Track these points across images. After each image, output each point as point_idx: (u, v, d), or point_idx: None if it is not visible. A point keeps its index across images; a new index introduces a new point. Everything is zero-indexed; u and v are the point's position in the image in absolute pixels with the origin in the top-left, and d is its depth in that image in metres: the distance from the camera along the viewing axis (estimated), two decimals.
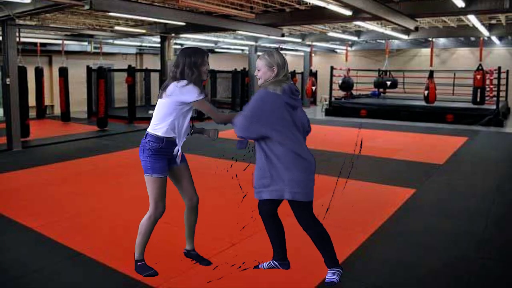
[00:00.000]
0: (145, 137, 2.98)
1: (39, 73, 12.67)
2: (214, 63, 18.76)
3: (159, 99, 2.98)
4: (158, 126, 2.94)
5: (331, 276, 2.91)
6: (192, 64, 2.91)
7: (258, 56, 2.87)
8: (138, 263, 3.08)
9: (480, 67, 12.36)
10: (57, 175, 6.23)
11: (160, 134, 2.92)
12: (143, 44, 15.68)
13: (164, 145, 2.94)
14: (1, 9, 7.44)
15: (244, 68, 16.31)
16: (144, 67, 17.44)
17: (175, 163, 3.05)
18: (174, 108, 2.91)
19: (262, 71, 2.82)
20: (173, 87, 2.89)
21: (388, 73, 15.26)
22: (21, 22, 9.06)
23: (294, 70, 18.04)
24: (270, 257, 3.15)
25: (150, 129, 2.97)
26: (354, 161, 6.78)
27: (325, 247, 2.89)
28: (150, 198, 2.99)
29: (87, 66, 13.85)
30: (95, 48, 14.73)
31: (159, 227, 3.14)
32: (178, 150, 3.00)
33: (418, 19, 9.15)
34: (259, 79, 2.85)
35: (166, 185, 3.01)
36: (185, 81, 2.89)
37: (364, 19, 8.46)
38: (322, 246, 2.89)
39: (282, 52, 3.03)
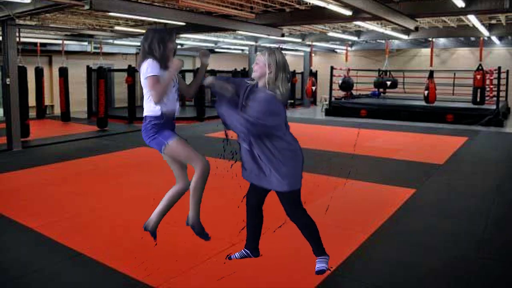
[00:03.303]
0: (145, 121, 3.07)
1: (39, 73, 12.68)
2: (214, 63, 18.76)
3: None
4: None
5: (320, 264, 3.01)
6: (160, 40, 3.00)
7: (261, 51, 2.97)
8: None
9: (480, 67, 12.36)
10: (57, 175, 6.23)
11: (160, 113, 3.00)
12: None
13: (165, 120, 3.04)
14: (1, 9, 7.44)
15: (244, 68, 16.31)
16: None
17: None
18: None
19: (259, 65, 2.89)
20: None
21: (388, 73, 15.26)
22: (21, 22, 9.07)
23: (294, 70, 18.03)
24: (269, 257, 3.15)
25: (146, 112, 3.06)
26: (353, 161, 6.78)
27: (313, 236, 3.00)
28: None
29: (87, 66, 13.85)
30: (95, 48, 14.73)
31: (159, 227, 3.14)
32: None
33: (418, 19, 9.15)
34: (254, 72, 2.91)
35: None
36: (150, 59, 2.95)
37: (364, 19, 8.46)
38: (310, 236, 3.00)
39: (282, 52, 3.09)
